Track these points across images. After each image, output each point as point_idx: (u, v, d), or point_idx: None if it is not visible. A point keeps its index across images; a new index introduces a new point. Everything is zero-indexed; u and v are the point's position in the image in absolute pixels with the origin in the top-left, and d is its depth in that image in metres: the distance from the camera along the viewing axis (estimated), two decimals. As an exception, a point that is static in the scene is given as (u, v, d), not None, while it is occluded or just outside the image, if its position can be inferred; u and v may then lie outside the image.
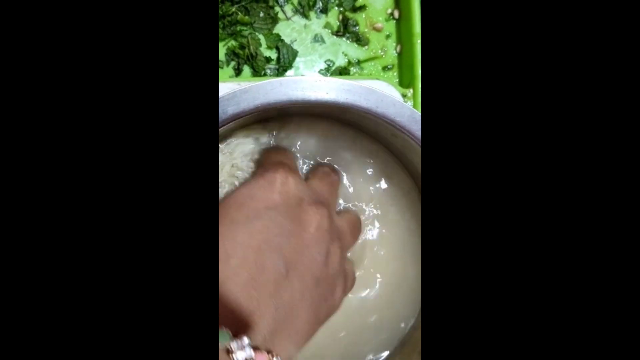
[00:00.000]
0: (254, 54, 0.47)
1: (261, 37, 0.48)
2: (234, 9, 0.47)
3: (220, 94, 0.31)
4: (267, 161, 0.34)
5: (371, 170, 0.39)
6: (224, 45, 0.48)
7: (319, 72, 0.49)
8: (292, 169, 0.32)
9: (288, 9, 0.49)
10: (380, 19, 0.50)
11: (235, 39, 0.48)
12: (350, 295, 0.37)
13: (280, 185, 0.30)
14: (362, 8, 0.50)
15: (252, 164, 0.35)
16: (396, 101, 0.32)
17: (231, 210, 0.29)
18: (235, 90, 0.31)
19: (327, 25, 0.49)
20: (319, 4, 0.49)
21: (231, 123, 0.31)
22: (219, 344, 0.24)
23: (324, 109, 0.34)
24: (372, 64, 0.50)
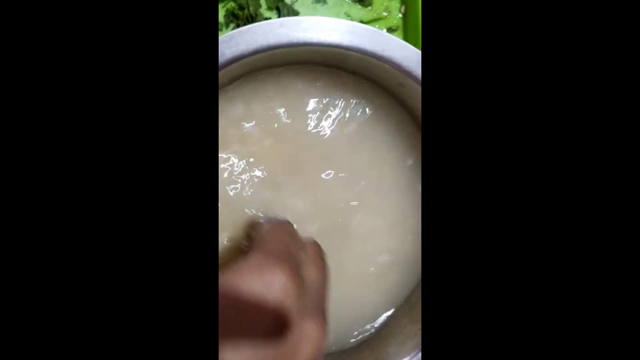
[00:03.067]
0: (253, 15, 0.46)
1: (261, -3, 0.47)
2: (232, -32, 0.45)
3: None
4: (269, 246, 0.26)
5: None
6: (222, 7, 0.47)
7: (321, 34, 0.47)
8: (295, 267, 0.25)
9: (288, -32, 0.47)
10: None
11: (234, 0, 0.46)
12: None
13: (277, 294, 0.23)
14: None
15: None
16: (403, 44, 0.30)
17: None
18: (233, 32, 0.29)
19: (329, -14, 0.48)
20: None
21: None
22: None
23: (326, 56, 0.32)
24: (376, 25, 0.48)
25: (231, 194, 0.35)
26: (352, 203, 0.36)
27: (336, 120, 0.35)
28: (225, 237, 0.35)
